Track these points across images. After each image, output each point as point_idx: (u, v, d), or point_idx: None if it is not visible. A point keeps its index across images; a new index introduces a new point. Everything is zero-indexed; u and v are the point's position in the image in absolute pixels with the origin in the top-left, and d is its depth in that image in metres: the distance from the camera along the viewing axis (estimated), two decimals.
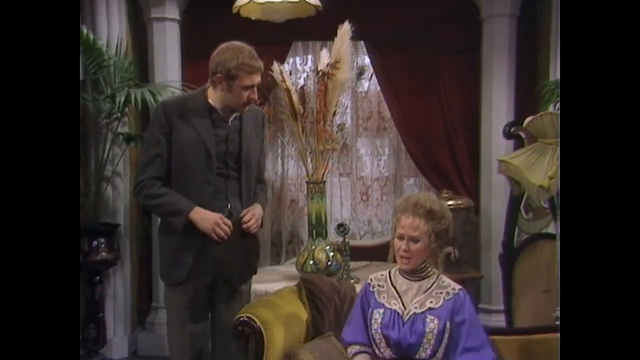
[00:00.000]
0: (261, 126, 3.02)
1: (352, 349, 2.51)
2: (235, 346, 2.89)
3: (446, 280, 2.48)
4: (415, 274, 2.46)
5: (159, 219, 3.02)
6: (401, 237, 2.41)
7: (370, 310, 2.49)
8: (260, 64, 2.77)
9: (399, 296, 2.46)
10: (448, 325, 2.38)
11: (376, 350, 2.46)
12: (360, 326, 2.50)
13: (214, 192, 2.83)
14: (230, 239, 2.81)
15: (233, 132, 2.86)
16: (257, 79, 2.78)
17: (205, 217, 2.76)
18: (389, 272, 2.54)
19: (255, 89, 2.79)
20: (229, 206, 2.86)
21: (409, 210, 2.39)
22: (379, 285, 2.52)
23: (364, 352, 2.48)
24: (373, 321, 2.46)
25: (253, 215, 2.88)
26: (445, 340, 2.38)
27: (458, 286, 2.46)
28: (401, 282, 2.48)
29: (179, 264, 2.83)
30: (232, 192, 2.87)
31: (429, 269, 2.47)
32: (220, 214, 2.80)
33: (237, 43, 2.78)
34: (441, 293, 2.42)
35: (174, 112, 2.80)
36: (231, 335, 2.84)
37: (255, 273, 3.08)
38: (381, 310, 2.45)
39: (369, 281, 2.57)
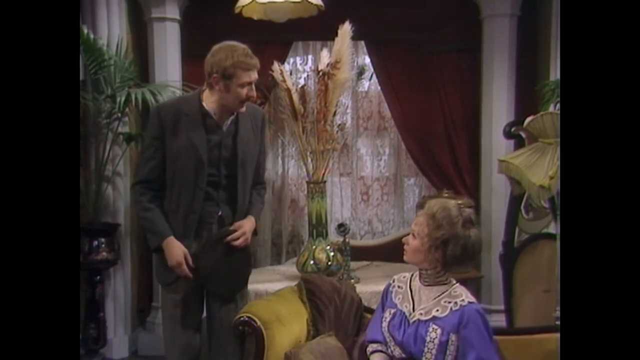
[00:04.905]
0: (261, 128, 2.98)
1: (370, 348, 2.49)
2: (231, 346, 2.89)
3: (460, 290, 2.40)
4: (429, 278, 2.42)
5: None
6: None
7: (385, 309, 2.50)
8: (255, 60, 2.76)
9: (412, 299, 2.44)
10: (453, 338, 2.30)
11: (388, 348, 2.44)
12: (379, 324, 2.49)
13: (205, 198, 2.82)
14: (216, 252, 2.84)
15: (227, 137, 2.84)
16: (254, 75, 2.76)
17: (171, 253, 2.79)
18: (412, 275, 2.52)
19: (253, 86, 2.78)
20: (220, 212, 2.87)
21: (424, 208, 2.43)
22: (398, 287, 2.50)
23: (381, 351, 2.45)
24: (383, 319, 2.46)
25: (243, 234, 2.87)
26: (450, 353, 2.30)
27: (471, 299, 2.38)
28: (417, 286, 2.46)
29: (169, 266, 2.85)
30: (224, 199, 2.87)
31: (444, 276, 2.41)
32: (210, 219, 2.85)
33: (230, 42, 2.78)
34: (449, 303, 2.35)
35: (168, 117, 2.81)
36: (227, 336, 2.85)
37: (247, 283, 3.08)
38: (393, 310, 2.45)
39: (391, 281, 2.56)
